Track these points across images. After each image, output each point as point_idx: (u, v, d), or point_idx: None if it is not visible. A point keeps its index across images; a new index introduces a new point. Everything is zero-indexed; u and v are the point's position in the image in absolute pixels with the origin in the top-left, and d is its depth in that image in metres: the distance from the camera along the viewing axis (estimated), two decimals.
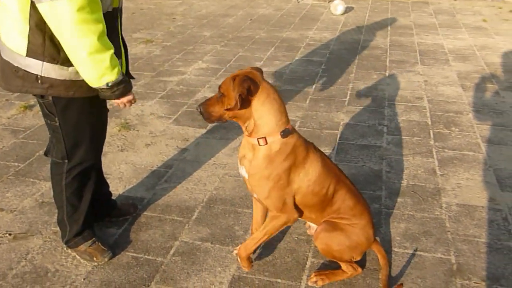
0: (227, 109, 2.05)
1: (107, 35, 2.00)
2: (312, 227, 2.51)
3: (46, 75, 2.03)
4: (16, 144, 3.71)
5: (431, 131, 3.94)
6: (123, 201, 2.97)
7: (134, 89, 4.72)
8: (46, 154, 2.39)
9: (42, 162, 3.43)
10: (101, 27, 1.92)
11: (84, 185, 2.41)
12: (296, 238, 2.68)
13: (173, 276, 2.40)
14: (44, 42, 1.96)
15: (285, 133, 2.09)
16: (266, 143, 2.08)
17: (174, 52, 6.07)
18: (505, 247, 2.61)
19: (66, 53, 1.96)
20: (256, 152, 2.12)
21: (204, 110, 2.12)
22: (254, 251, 2.38)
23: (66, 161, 2.30)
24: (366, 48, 6.23)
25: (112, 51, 1.99)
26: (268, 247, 2.61)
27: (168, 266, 2.47)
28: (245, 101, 2.02)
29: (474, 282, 2.37)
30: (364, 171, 3.35)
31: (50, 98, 2.12)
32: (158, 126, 4.05)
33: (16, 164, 3.43)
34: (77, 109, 2.18)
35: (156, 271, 2.44)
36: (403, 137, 3.85)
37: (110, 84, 2.03)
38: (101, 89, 2.06)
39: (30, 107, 4.36)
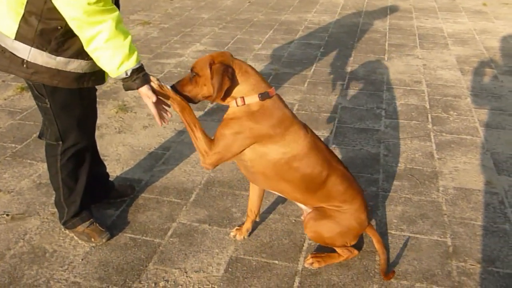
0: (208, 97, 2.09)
1: None
2: (305, 211, 2.51)
3: (32, 61, 2.01)
4: (13, 126, 3.69)
5: (429, 115, 3.94)
6: (121, 182, 2.97)
7: None
8: (40, 136, 2.37)
9: (39, 143, 3.42)
10: (117, 13, 1.92)
11: (79, 166, 2.40)
12: (294, 220, 2.69)
13: (171, 257, 2.42)
14: (36, 29, 1.94)
15: (263, 96, 2.07)
16: (244, 103, 2.08)
17: (172, 34, 6.01)
18: (501, 230, 2.63)
19: (84, 45, 1.94)
20: (230, 109, 2.13)
21: (179, 90, 2.12)
22: None
23: (60, 142, 2.29)
24: (365, 31, 6.18)
25: (130, 37, 1.98)
26: (265, 229, 2.62)
27: (166, 247, 2.48)
28: (230, 88, 2.05)
29: (469, 264, 2.39)
30: (362, 154, 3.35)
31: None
32: None
33: (13, 145, 3.42)
34: (66, 90, 2.16)
35: (154, 252, 2.45)
36: (401, 120, 3.84)
37: (129, 72, 2.00)
38: (121, 79, 2.03)
39: (27, 89, 4.32)
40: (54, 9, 1.89)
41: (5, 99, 4.14)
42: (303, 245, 2.51)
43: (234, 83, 2.06)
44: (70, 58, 2.05)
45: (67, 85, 2.11)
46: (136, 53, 2.01)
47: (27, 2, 1.91)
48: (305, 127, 2.21)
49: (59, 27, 1.96)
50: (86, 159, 2.42)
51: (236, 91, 2.09)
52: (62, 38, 1.99)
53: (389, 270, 2.29)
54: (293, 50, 5.46)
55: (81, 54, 2.04)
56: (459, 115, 3.95)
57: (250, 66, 2.13)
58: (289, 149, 2.14)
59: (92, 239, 2.46)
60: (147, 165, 3.22)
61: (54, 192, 2.48)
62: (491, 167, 3.22)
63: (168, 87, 2.13)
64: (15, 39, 1.98)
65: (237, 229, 2.58)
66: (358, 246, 2.44)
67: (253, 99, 2.08)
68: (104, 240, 2.48)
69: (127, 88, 2.07)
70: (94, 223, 2.49)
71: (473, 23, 6.60)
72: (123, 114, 3.92)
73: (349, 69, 4.91)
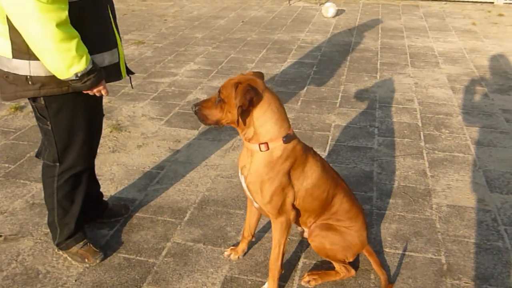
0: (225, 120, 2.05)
1: (100, 23, 1.99)
2: (307, 232, 2.52)
3: (35, 74, 2.01)
4: (6, 145, 3.68)
5: (421, 133, 3.98)
6: (115, 202, 2.96)
7: (125, 90, 4.75)
8: (37, 156, 2.37)
9: (33, 163, 3.41)
10: (63, 15, 1.85)
11: (76, 188, 2.39)
12: (289, 239, 2.68)
13: (165, 277, 2.40)
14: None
15: (287, 139, 2.07)
16: (268, 149, 2.07)
17: (166, 54, 6.06)
18: (494, 247, 2.64)
19: (30, 46, 1.89)
20: (256, 158, 2.09)
21: (200, 112, 2.09)
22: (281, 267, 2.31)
23: (58, 164, 2.28)
24: (357, 50, 6.26)
25: (77, 39, 1.91)
26: (260, 248, 2.62)
27: (160, 267, 2.46)
28: (246, 112, 2.00)
29: (464, 282, 2.39)
30: (356, 172, 3.37)
31: (43, 102, 2.10)
32: (150, 128, 4.05)
33: (7, 165, 3.40)
34: (70, 112, 2.17)
35: (148, 272, 2.43)
36: (394, 138, 3.88)
37: (79, 75, 1.95)
38: (70, 80, 1.98)
39: (20, 108, 4.33)
40: None
41: None
42: (298, 264, 2.51)
43: (253, 108, 1.99)
44: None
45: (79, 89, 2.07)
46: (86, 56, 1.94)
47: (6, 15, 1.89)
48: (313, 151, 2.23)
49: None
50: (83, 182, 2.41)
51: (261, 129, 2.03)
52: None
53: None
54: (286, 69, 5.51)
55: None
56: (451, 133, 3.99)
57: (278, 100, 2.07)
58: (310, 180, 2.17)
59: (86, 260, 2.45)
60: (141, 185, 3.21)
61: (47, 212, 2.46)
62: (484, 184, 3.25)
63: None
64: (13, 57, 1.98)
65: (231, 248, 2.57)
66: (353, 265, 2.44)
67: (277, 143, 2.06)
68: (98, 261, 2.46)
69: (75, 89, 2.04)
70: (88, 244, 2.48)
71: (463, 42, 6.70)
72: (117, 134, 3.92)
73: (342, 87, 4.96)
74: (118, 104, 4.49)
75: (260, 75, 2.12)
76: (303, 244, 2.63)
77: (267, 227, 2.78)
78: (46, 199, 2.42)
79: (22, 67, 2.00)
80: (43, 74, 2.02)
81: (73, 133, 2.23)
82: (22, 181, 3.22)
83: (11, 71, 2.01)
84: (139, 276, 2.41)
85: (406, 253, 2.59)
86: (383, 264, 2.48)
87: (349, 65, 5.65)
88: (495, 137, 3.92)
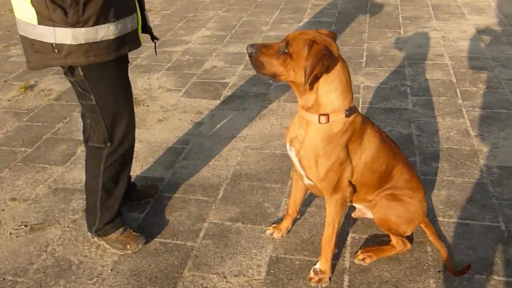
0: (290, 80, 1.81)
1: None
2: (358, 210, 2.34)
3: (60, 42, 1.84)
4: (20, 128, 3.49)
5: (457, 90, 3.73)
6: (142, 182, 2.79)
7: (137, 62, 4.50)
8: (86, 141, 2.19)
9: (50, 145, 3.23)
10: None
11: (123, 169, 2.24)
12: None
13: (207, 261, 2.24)
14: (46, 4, 1.77)
15: (350, 112, 1.86)
16: (328, 121, 1.85)
17: (175, 21, 5.76)
18: None
19: None
20: (312, 130, 1.88)
21: (257, 57, 1.81)
22: (336, 246, 2.14)
23: (109, 144, 2.12)
24: (375, 5, 5.92)
25: None
26: (303, 224, 2.44)
27: (200, 251, 2.30)
28: (316, 77, 1.77)
29: None
30: (394, 136, 3.15)
31: (81, 73, 1.94)
32: (168, 100, 3.83)
33: (23, 149, 3.22)
34: (109, 79, 2.01)
35: (188, 256, 2.27)
36: (429, 97, 3.64)
37: None
38: None
39: (30, 87, 4.11)
40: None
41: (9, 100, 3.93)
42: (347, 240, 2.33)
43: (327, 74, 1.76)
44: (96, 26, 1.84)
45: (105, 58, 1.92)
46: None
47: None
48: (371, 121, 2.02)
49: None
50: (129, 161, 2.27)
51: (324, 98, 1.82)
52: (76, 5, 1.79)
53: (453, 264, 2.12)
54: (304, 30, 5.21)
55: (105, 16, 1.85)
56: (489, 88, 3.74)
57: (348, 69, 1.85)
58: (368, 153, 1.97)
59: (128, 246, 2.28)
60: (168, 162, 3.02)
61: (87, 196, 2.28)
62: None
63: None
64: (38, 23, 1.82)
65: (274, 227, 2.39)
66: (408, 238, 2.26)
67: (339, 116, 1.85)
68: (140, 246, 2.30)
69: None
70: (128, 229, 2.32)
71: None
72: (135, 108, 3.67)
73: (365, 46, 4.68)
74: (132, 77, 4.23)
75: (333, 35, 1.87)
76: (350, 218, 2.44)
77: (307, 200, 2.59)
78: (89, 182, 2.24)
79: (48, 34, 1.83)
80: (68, 42, 1.84)
81: (118, 103, 2.07)
82: (41, 165, 3.03)
83: (37, 39, 1.86)
84: (179, 261, 2.24)
85: (462, 221, 2.40)
86: (439, 235, 2.29)
87: (369, 22, 5.34)
88: None
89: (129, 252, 2.29)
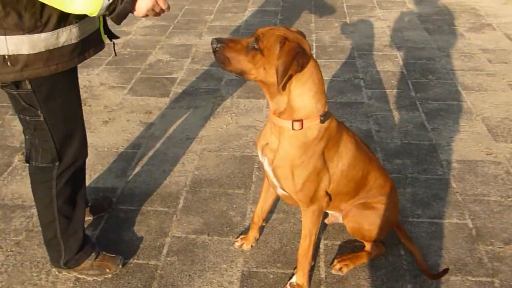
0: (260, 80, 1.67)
1: None
2: (332, 216, 2.25)
3: (15, 53, 1.55)
4: None
5: (409, 81, 3.75)
6: (93, 195, 2.54)
7: None
8: (28, 160, 1.86)
9: None
10: None
11: (78, 187, 1.97)
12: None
13: (174, 281, 2.06)
14: None
15: (325, 117, 1.73)
16: (302, 128, 1.72)
17: None
18: None
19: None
20: (286, 138, 1.75)
21: (222, 52, 1.65)
22: (313, 259, 2.07)
23: (57, 163, 1.82)
24: None
25: None
26: (272, 232, 2.32)
27: (165, 270, 2.12)
28: (289, 77, 1.63)
29: (497, 247, 2.23)
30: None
31: (29, 86, 1.64)
32: (113, 99, 3.55)
33: None
34: (62, 91, 1.73)
35: (152, 277, 2.08)
36: (382, 90, 3.62)
37: None
38: (108, 7, 1.50)
39: None
40: None
41: None
42: (319, 248, 2.25)
43: (299, 73, 1.63)
44: (57, 29, 1.58)
45: (67, 65, 1.66)
46: None
47: None
48: (345, 126, 1.93)
49: None
50: (84, 177, 2.01)
51: (297, 101, 1.68)
52: (33, 6, 1.52)
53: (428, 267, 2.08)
54: (249, 19, 5.05)
55: (66, 16, 1.59)
56: (438, 79, 3.79)
57: (320, 69, 1.71)
58: (345, 160, 1.86)
59: (107, 270, 2.04)
60: (119, 169, 2.78)
61: (43, 228, 1.98)
62: (486, 134, 3.08)
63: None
64: None
65: (242, 238, 2.26)
66: (382, 240, 2.20)
67: (313, 122, 1.72)
68: (120, 266, 2.08)
69: (121, 14, 1.54)
70: (101, 252, 2.07)
71: None
72: None
73: (314, 36, 4.60)
74: None
75: (303, 34, 1.74)
76: (322, 224, 2.35)
77: (274, 206, 2.47)
78: (41, 212, 1.94)
79: None
80: (25, 52, 1.56)
81: (72, 117, 1.81)
82: None
83: None
84: (142, 283, 2.05)
85: (430, 220, 2.39)
86: (411, 237, 2.26)
87: (315, 11, 5.26)
88: (483, 80, 3.76)
89: (110, 275, 2.05)
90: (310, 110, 1.70)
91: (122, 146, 2.99)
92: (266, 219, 2.35)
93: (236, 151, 2.92)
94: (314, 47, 4.36)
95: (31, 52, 1.56)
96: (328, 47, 4.35)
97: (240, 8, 5.36)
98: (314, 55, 4.15)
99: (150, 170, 2.77)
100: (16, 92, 1.67)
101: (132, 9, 1.56)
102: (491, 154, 2.88)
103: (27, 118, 1.73)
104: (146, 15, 1.62)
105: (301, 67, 1.62)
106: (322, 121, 1.73)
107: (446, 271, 2.01)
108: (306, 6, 5.40)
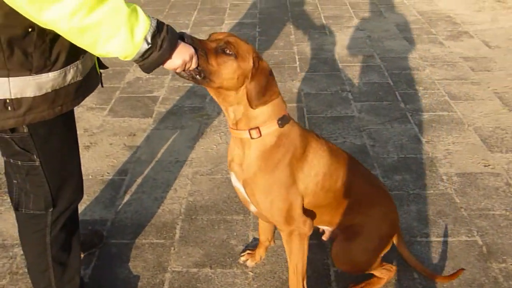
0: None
1: None
2: (327, 231, 2.13)
3: (18, 96, 1.36)
4: None
5: (397, 92, 3.70)
6: (82, 229, 2.34)
7: None
8: (17, 208, 1.65)
9: None
10: None
11: (74, 231, 1.78)
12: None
13: None
14: (2, 46, 1.29)
15: (283, 121, 1.63)
16: (260, 135, 1.61)
17: None
18: None
19: (70, 38, 1.25)
20: (248, 149, 1.64)
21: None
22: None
23: (51, 209, 1.63)
24: (295, 4, 5.80)
25: None
26: (279, 262, 2.19)
27: None
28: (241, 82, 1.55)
29: (510, 265, 2.17)
30: (348, 148, 3.01)
31: (26, 130, 1.46)
32: (92, 121, 3.35)
33: None
34: (60, 134, 1.56)
35: None
36: (372, 102, 3.56)
37: (151, 35, 1.29)
38: (144, 52, 1.30)
39: None
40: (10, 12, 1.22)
41: None
42: (330, 275, 2.13)
43: (247, 78, 1.55)
44: (65, 67, 1.42)
45: (72, 105, 1.50)
46: (137, 8, 1.29)
47: None
48: (315, 133, 1.81)
49: (29, 29, 1.30)
50: (78, 220, 1.82)
51: (254, 110, 1.59)
52: (42, 43, 1.34)
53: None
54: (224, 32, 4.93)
55: (74, 52, 1.42)
56: (425, 89, 3.76)
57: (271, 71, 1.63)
58: (318, 169, 1.72)
59: None
60: (107, 199, 2.60)
61: (34, 279, 1.78)
62: (480, 144, 3.05)
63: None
64: None
65: (248, 253, 2.17)
66: (390, 260, 2.10)
67: (270, 128, 1.61)
68: None
69: (151, 65, 1.36)
70: None
71: None
72: None
73: (295, 48, 4.52)
74: None
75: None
76: (326, 248, 2.24)
77: (277, 231, 2.35)
78: (33, 262, 1.74)
79: None
80: (30, 95, 1.37)
81: (70, 159, 1.64)
82: None
83: None
84: None
85: (439, 239, 2.31)
86: (420, 258, 2.18)
87: (293, 22, 5.20)
88: (469, 89, 3.75)
89: None
90: (267, 115, 1.60)
91: (108, 173, 2.81)
92: (275, 242, 2.22)
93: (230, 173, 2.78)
94: (296, 59, 4.28)
95: (38, 94, 1.39)
96: (311, 59, 4.28)
97: (217, 21, 5.24)
98: (298, 69, 4.09)
99: (140, 198, 2.60)
100: (9, 136, 1.47)
101: (167, 58, 1.38)
102: (489, 165, 2.85)
103: (19, 162, 1.54)
104: (176, 69, 1.43)
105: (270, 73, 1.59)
106: (280, 125, 1.62)
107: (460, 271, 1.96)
108: (283, 18, 5.33)
